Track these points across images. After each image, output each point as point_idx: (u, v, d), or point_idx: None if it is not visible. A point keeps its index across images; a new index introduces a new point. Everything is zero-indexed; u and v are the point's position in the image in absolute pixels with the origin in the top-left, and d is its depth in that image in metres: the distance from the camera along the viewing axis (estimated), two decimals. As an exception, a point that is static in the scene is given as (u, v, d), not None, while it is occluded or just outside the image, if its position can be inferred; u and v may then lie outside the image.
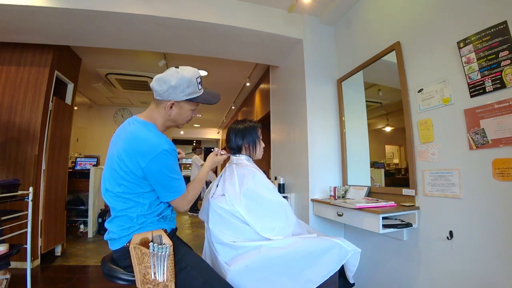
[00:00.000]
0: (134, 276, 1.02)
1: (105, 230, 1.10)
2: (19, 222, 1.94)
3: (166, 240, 1.03)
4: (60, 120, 3.03)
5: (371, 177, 2.12)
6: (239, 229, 1.23)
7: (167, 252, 0.99)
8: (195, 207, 5.89)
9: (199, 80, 1.09)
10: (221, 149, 1.39)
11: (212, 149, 1.38)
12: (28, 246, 1.92)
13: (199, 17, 2.21)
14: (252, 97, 4.80)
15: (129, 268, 1.04)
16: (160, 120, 1.11)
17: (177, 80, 1.03)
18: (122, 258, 1.05)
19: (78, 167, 4.23)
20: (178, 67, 1.08)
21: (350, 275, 1.26)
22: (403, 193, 1.67)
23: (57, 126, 2.97)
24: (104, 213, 4.04)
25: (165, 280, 0.98)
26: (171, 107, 1.08)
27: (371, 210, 1.55)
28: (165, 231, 1.07)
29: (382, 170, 2.13)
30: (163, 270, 0.98)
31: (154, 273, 0.97)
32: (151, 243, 0.99)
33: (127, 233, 1.03)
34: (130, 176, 1.00)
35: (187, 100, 1.09)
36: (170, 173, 1.02)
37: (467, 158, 1.32)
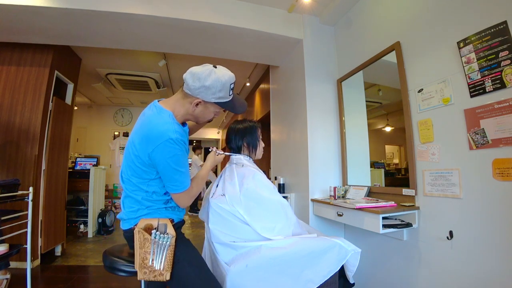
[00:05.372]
0: (134, 267, 1.03)
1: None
2: (19, 222, 1.93)
3: (170, 230, 1.03)
4: (60, 120, 3.03)
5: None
6: (239, 229, 1.23)
7: (168, 242, 0.99)
8: (195, 207, 5.88)
9: (232, 86, 1.08)
10: (221, 150, 1.39)
11: (210, 149, 1.37)
12: (28, 246, 1.92)
13: (199, 17, 2.21)
14: (252, 97, 4.79)
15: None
16: (182, 112, 1.09)
17: (212, 82, 1.01)
18: (131, 239, 1.08)
19: (78, 167, 4.23)
20: (216, 67, 1.06)
21: (350, 275, 1.26)
22: (403, 193, 1.67)
23: (57, 126, 2.97)
24: (104, 213, 4.03)
25: (161, 269, 0.99)
26: (197, 104, 1.06)
27: (371, 210, 1.55)
28: (172, 220, 1.08)
29: (382, 170, 2.14)
30: (161, 258, 0.99)
31: (152, 260, 0.99)
32: (153, 230, 1.00)
33: (135, 216, 1.06)
34: (139, 160, 1.02)
35: (214, 102, 1.07)
36: (175, 164, 1.00)
37: (467, 158, 1.32)
